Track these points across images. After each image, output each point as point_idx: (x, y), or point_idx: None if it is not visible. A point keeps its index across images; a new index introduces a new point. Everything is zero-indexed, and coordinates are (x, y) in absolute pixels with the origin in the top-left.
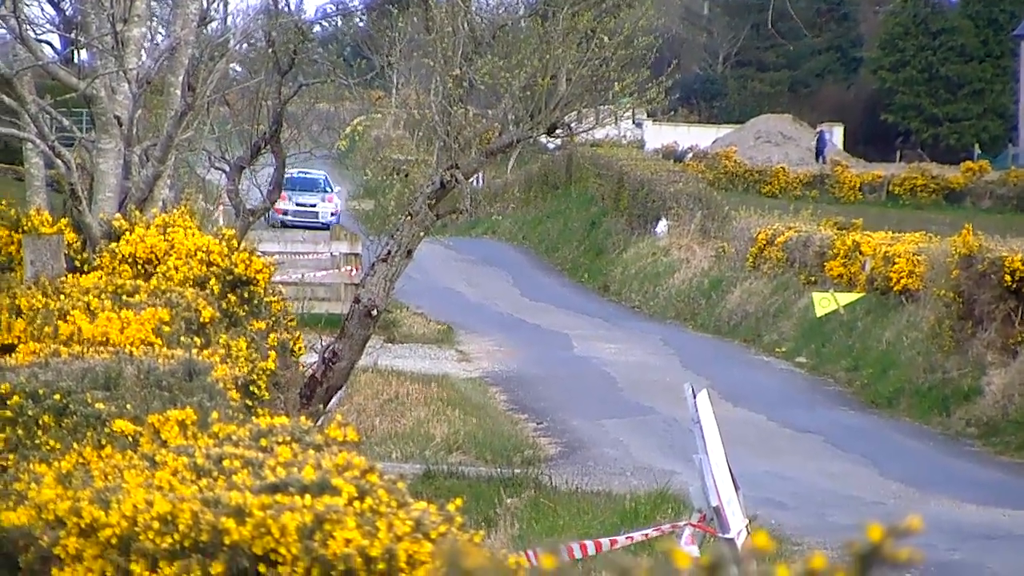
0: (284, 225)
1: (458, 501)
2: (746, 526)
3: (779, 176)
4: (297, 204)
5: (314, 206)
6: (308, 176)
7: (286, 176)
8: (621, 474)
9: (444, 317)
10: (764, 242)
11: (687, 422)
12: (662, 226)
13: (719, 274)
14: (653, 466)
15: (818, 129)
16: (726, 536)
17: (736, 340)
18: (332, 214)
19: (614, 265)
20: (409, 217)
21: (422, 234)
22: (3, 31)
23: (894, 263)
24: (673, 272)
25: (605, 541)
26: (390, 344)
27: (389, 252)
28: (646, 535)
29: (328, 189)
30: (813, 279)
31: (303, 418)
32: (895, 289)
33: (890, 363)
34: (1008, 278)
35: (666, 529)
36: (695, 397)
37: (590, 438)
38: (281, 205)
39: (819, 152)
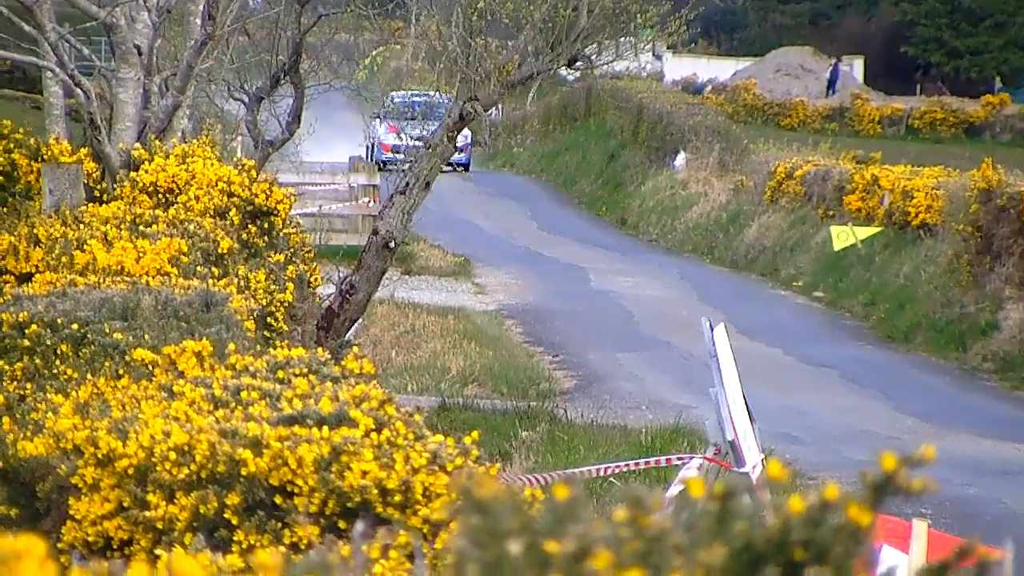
0: (392, 163)
1: (474, 434)
2: (761, 460)
3: (798, 109)
4: (411, 137)
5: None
6: (423, 100)
7: (397, 101)
8: (637, 408)
9: (461, 250)
10: (783, 176)
11: (703, 356)
12: (680, 159)
13: (737, 208)
14: (669, 400)
15: (832, 61)
16: (741, 470)
17: (753, 274)
18: (460, 150)
19: (632, 198)
20: (428, 149)
21: (441, 166)
22: None
23: (912, 197)
24: (691, 206)
25: (615, 467)
26: (407, 276)
27: (407, 184)
28: (656, 462)
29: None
30: (831, 213)
31: (320, 350)
32: (913, 224)
33: (907, 298)
34: None
35: (677, 461)
36: (712, 331)
37: (606, 372)
38: (390, 140)
39: (831, 84)
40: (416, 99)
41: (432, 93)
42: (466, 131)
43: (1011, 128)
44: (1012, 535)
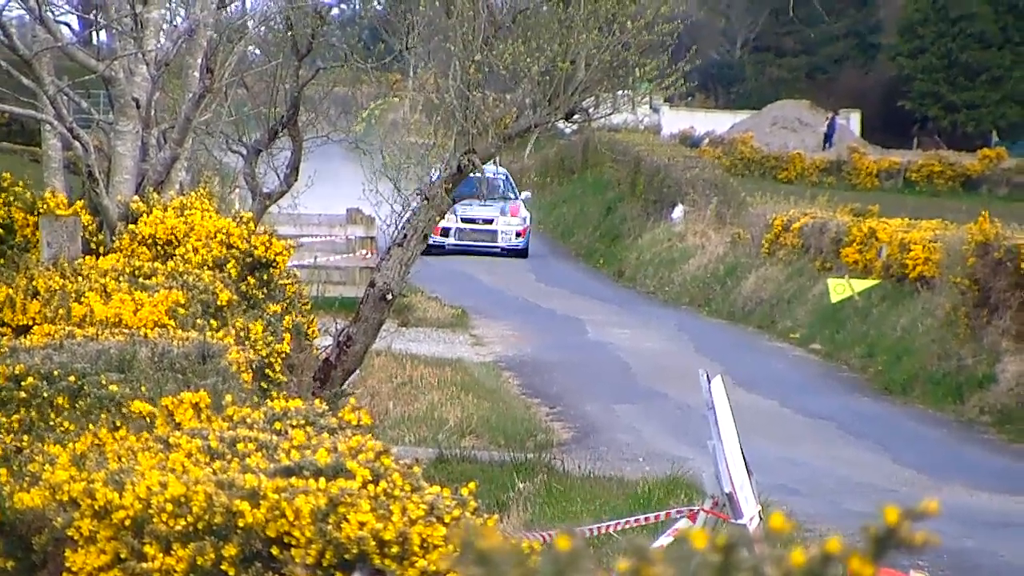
0: (444, 252)
1: (471, 485)
2: (759, 512)
3: (795, 162)
4: (464, 220)
5: (491, 222)
6: (478, 174)
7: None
8: (634, 460)
9: (459, 301)
10: (780, 228)
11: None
12: (678, 212)
13: (734, 260)
14: (666, 452)
15: (829, 115)
16: (739, 522)
17: (750, 326)
18: (518, 234)
19: (629, 251)
20: (426, 201)
21: (438, 219)
22: (22, 12)
23: (910, 250)
24: (688, 258)
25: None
26: (404, 328)
27: (405, 236)
28: (656, 517)
29: (511, 195)
30: (828, 265)
31: (317, 401)
32: (910, 276)
33: (904, 350)
34: None
35: (675, 515)
36: (709, 383)
37: (603, 423)
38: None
39: (828, 137)
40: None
41: (485, 168)
42: (524, 212)
43: (1008, 182)
44: None
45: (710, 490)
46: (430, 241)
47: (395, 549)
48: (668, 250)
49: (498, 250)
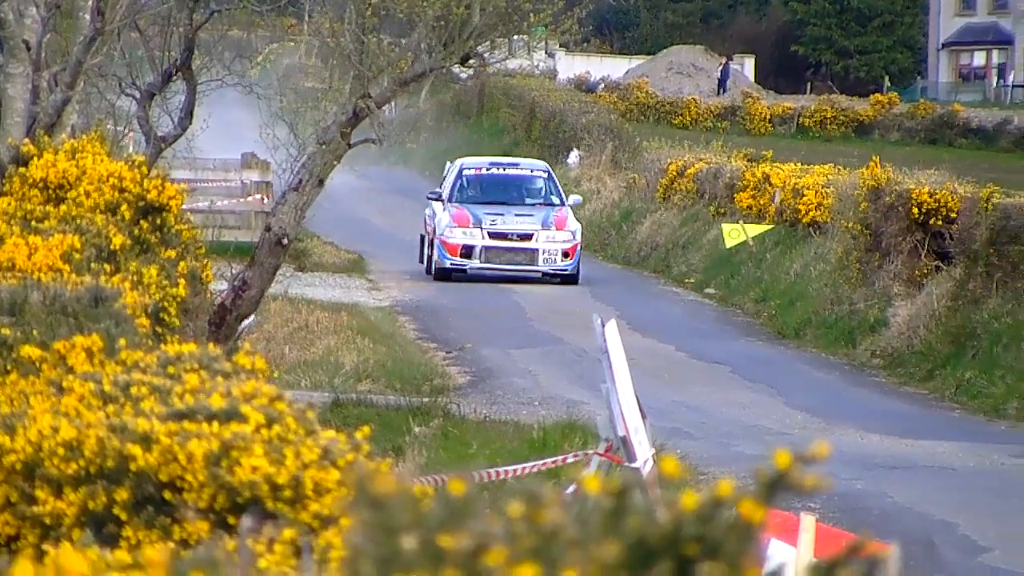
0: (465, 277)
1: (366, 429)
2: (652, 456)
3: (690, 108)
4: (492, 235)
5: (529, 238)
6: (511, 173)
7: (467, 174)
8: (529, 404)
9: (355, 246)
10: (675, 174)
11: (595, 353)
12: (573, 157)
13: (629, 205)
14: (561, 396)
15: (723, 60)
16: (632, 465)
17: (646, 271)
18: (565, 254)
19: None
20: (321, 146)
21: (334, 163)
22: None
23: (803, 195)
24: (584, 203)
25: (512, 470)
26: (300, 273)
27: (300, 181)
28: (554, 463)
29: (555, 199)
30: (723, 211)
31: (212, 345)
32: (803, 221)
33: (797, 295)
34: (915, 210)
35: (571, 459)
36: (603, 327)
37: (499, 368)
38: (457, 236)
39: (721, 83)
40: (497, 171)
41: (518, 161)
42: (573, 223)
43: (899, 127)
44: (898, 529)
45: (604, 434)
46: (447, 264)
47: (288, 493)
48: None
49: (539, 275)
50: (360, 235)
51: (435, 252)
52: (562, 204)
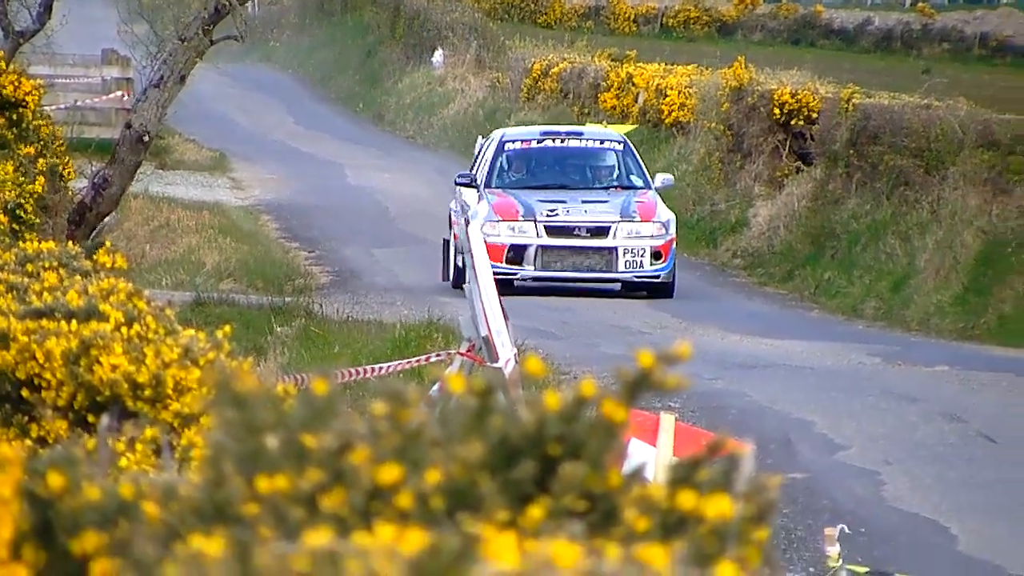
0: (516, 289)
1: (227, 329)
2: (515, 356)
3: (555, 7)
4: (550, 230)
5: (603, 233)
6: (571, 145)
7: (511, 150)
8: (392, 303)
9: (217, 144)
10: (539, 73)
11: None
12: (438, 56)
13: (494, 105)
14: (424, 296)
15: None
16: (495, 365)
17: None
18: (656, 255)
19: (389, 95)
20: (182, 42)
21: (196, 60)
22: None
23: (666, 96)
24: (448, 103)
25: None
26: (162, 171)
27: (162, 77)
28: (417, 362)
29: (636, 180)
30: (587, 111)
31: (71, 243)
32: (667, 122)
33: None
34: (777, 111)
35: (435, 358)
36: (467, 226)
37: (362, 267)
38: (502, 234)
39: None
40: (552, 143)
41: (581, 129)
42: (665, 212)
43: (763, 27)
44: (757, 427)
45: (467, 334)
46: (490, 272)
47: (148, 392)
48: (428, 94)
49: (618, 285)
50: (223, 134)
51: (465, 252)
52: (647, 187)
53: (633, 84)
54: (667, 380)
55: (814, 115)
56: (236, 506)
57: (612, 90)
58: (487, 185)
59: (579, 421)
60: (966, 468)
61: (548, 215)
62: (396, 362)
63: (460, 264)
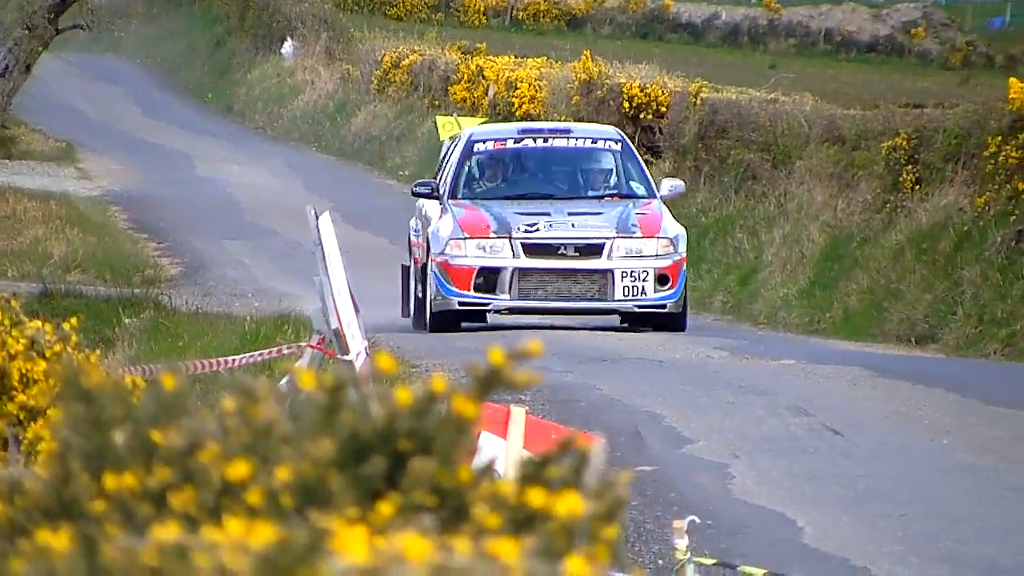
0: (490, 323)
1: (74, 320)
2: (365, 348)
3: None
4: (529, 247)
5: (596, 252)
6: (557, 145)
7: (480, 151)
8: (243, 296)
9: (64, 135)
10: (389, 65)
11: (309, 245)
12: (287, 47)
13: (344, 97)
14: (275, 288)
15: None
16: (345, 358)
17: (360, 163)
18: (661, 278)
19: (239, 86)
20: (28, 31)
21: (42, 49)
22: None
23: (516, 88)
24: (298, 94)
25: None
26: (8, 161)
27: (7, 67)
28: (267, 355)
29: (640, 187)
30: (437, 103)
31: None
32: (517, 114)
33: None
34: (627, 104)
35: (286, 350)
36: (317, 219)
37: (212, 259)
38: (468, 254)
39: None
40: (533, 143)
41: (569, 126)
42: (673, 225)
43: (611, 20)
44: (606, 420)
45: (317, 326)
46: (454, 304)
47: None
48: (278, 86)
49: (616, 317)
50: (70, 124)
51: (431, 286)
52: (650, 195)
53: (483, 77)
54: (518, 376)
55: (663, 109)
56: (83, 503)
57: (462, 82)
58: (452, 196)
59: (429, 416)
60: (812, 461)
61: (527, 231)
62: (246, 355)
63: (421, 295)
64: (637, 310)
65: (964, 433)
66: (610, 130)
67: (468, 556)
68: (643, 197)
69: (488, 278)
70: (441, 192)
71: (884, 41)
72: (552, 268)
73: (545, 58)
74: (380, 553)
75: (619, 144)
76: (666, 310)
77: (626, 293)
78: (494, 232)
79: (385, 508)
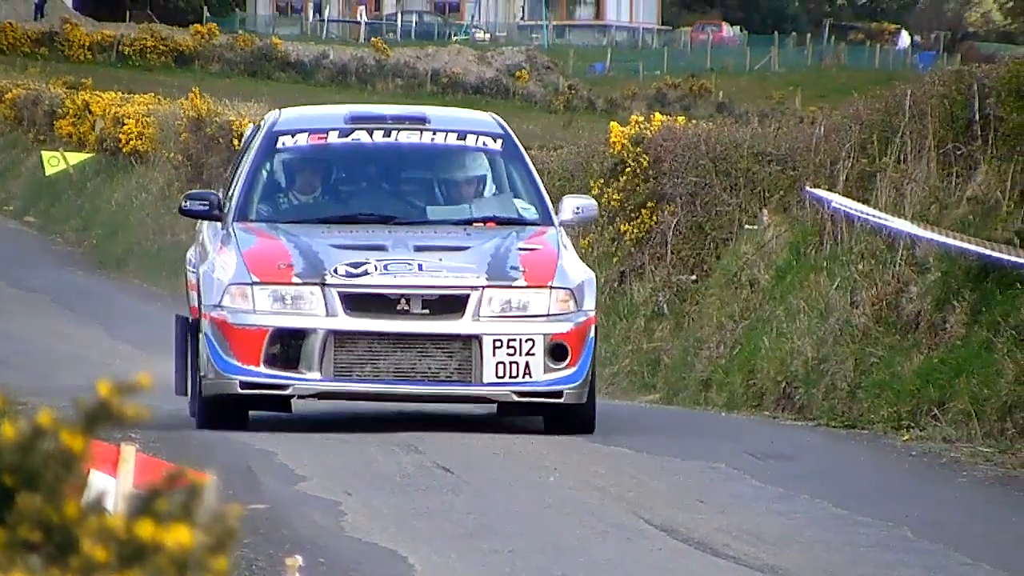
0: (274, 408)
1: None
2: None
3: (7, 32)
4: (351, 298)
5: (456, 307)
6: (404, 141)
7: (288, 148)
8: None
9: None
10: None
11: None
12: None
13: None
14: None
15: None
16: None
17: None
18: (556, 350)
19: None
20: None
21: None
22: None
23: (124, 124)
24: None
25: None
26: None
27: None
28: None
29: (528, 207)
30: (43, 138)
31: None
32: (125, 150)
33: (120, 224)
34: (236, 142)
35: None
36: None
37: None
38: (250, 305)
39: (39, 8)
40: (369, 138)
41: (423, 113)
42: (575, 265)
43: (220, 58)
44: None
45: None
46: (235, 385)
47: None
48: None
49: (494, 407)
50: None
51: (203, 355)
52: (544, 220)
53: (90, 112)
54: (126, 410)
55: None
56: None
57: (68, 117)
58: (242, 216)
59: (36, 451)
60: (422, 498)
61: (349, 273)
62: None
63: (195, 362)
64: (518, 399)
65: (570, 470)
66: (486, 119)
67: None
68: (533, 223)
69: (288, 346)
70: (226, 210)
71: (490, 83)
72: (387, 332)
73: (153, 94)
74: None
75: (499, 141)
76: (560, 401)
77: (502, 373)
78: (299, 275)
79: None
